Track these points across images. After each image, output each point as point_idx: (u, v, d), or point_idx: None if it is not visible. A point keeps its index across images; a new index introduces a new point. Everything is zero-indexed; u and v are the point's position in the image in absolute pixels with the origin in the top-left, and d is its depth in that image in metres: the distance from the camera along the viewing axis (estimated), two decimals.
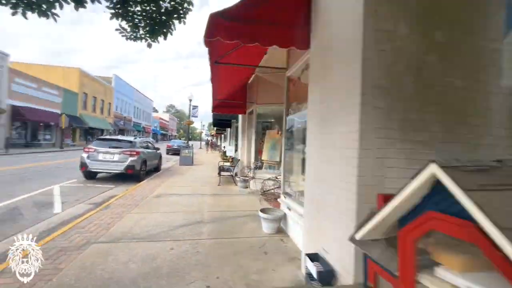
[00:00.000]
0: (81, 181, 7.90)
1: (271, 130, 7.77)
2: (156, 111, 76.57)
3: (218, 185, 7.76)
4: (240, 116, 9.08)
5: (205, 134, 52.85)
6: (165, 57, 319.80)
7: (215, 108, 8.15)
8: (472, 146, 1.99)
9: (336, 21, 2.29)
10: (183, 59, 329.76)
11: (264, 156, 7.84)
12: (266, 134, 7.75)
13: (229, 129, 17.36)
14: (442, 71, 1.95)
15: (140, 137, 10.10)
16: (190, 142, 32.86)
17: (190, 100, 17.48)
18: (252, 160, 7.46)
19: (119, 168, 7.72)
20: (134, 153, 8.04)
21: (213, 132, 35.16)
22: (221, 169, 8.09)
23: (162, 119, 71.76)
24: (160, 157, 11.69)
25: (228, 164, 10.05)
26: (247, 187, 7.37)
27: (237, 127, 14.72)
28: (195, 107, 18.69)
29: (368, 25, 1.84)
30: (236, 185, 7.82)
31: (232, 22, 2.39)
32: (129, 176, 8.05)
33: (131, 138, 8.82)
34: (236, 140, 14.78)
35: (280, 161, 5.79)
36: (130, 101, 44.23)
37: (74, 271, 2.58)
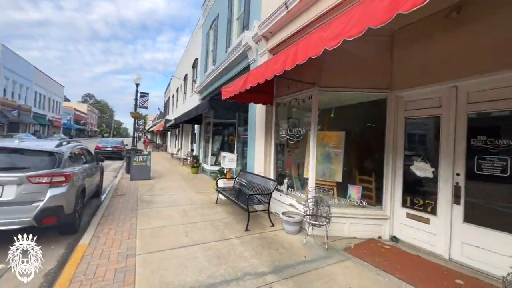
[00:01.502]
0: None
1: (326, 132, 4.83)
2: (67, 100, 60.58)
3: (247, 229, 4.32)
4: (257, 107, 5.75)
5: (137, 129, 43.17)
6: (79, 36, 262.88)
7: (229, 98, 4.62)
8: None
9: None
10: (102, 42, 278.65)
11: (309, 173, 4.89)
12: (309, 136, 4.77)
13: (198, 126, 13.21)
14: None
15: (64, 138, 5.26)
16: (123, 140, 25.91)
17: (137, 85, 12.46)
18: (310, 177, 4.35)
19: (22, 217, 3.28)
20: (61, 178, 3.67)
21: (158, 127, 28.95)
22: (249, 202, 4.58)
23: (78, 110, 57.18)
24: (102, 173, 7.03)
25: (226, 182, 6.53)
26: (301, 232, 4.24)
27: (214, 125, 10.98)
28: (144, 94, 13.46)
29: None
30: (272, 225, 4.56)
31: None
32: (48, 227, 3.65)
33: (50, 144, 4.18)
34: (224, 143, 11.05)
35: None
36: (28, 84, 32.33)
37: None
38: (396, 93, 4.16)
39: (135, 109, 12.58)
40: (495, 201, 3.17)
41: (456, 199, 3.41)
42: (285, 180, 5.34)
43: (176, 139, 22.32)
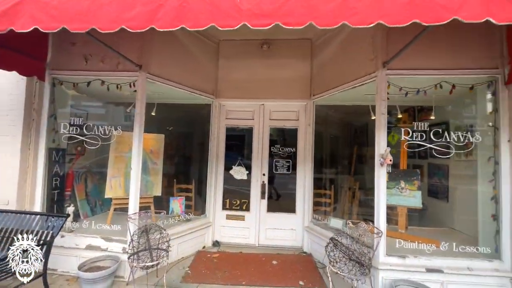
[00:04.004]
0: None
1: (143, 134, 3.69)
2: None
3: None
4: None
5: None
6: None
7: None
8: None
9: None
10: None
11: (117, 191, 3.63)
12: (130, 138, 3.57)
13: None
14: None
15: None
16: None
17: None
18: (133, 198, 2.96)
19: None
20: None
21: None
22: None
23: None
24: None
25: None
26: (116, 283, 2.77)
27: None
28: None
29: None
30: None
31: None
32: None
33: None
34: None
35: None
36: None
37: None
38: (219, 101, 4.28)
39: None
40: (283, 192, 4.41)
41: (262, 195, 4.23)
42: (70, 209, 3.28)
43: None
